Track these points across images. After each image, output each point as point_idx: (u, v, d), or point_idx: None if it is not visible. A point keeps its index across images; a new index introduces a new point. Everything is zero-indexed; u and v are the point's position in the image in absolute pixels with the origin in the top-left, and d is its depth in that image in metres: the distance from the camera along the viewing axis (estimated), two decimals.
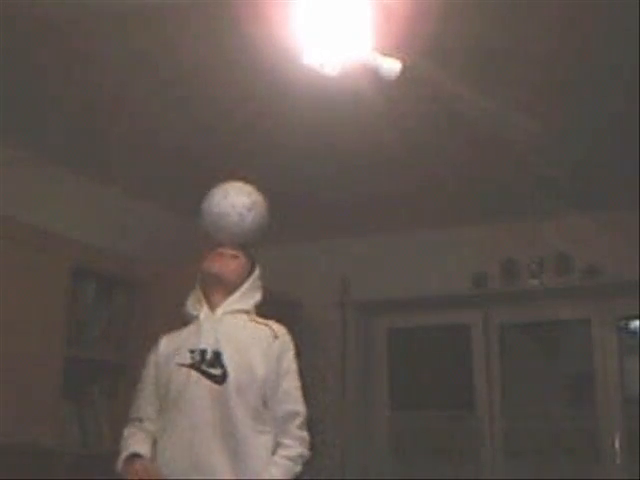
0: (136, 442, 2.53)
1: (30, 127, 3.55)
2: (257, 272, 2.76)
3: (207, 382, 2.48)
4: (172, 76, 3.10)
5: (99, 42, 2.84)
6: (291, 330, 2.70)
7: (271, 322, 2.65)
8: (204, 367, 2.50)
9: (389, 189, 4.26)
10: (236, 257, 2.70)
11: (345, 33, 2.47)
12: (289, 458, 2.48)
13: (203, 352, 2.52)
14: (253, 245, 2.79)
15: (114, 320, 3.92)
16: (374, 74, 2.66)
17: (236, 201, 2.68)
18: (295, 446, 2.50)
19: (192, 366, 2.51)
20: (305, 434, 2.53)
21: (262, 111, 3.33)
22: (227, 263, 2.67)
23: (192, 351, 2.54)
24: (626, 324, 4.78)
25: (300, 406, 2.55)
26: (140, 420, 2.60)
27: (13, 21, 2.67)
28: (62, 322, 3.53)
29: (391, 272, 4.85)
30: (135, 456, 2.50)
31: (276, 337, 2.58)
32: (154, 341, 2.74)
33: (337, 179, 4.11)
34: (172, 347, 2.63)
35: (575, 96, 3.23)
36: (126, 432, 2.60)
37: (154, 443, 2.52)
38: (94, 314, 3.83)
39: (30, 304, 3.35)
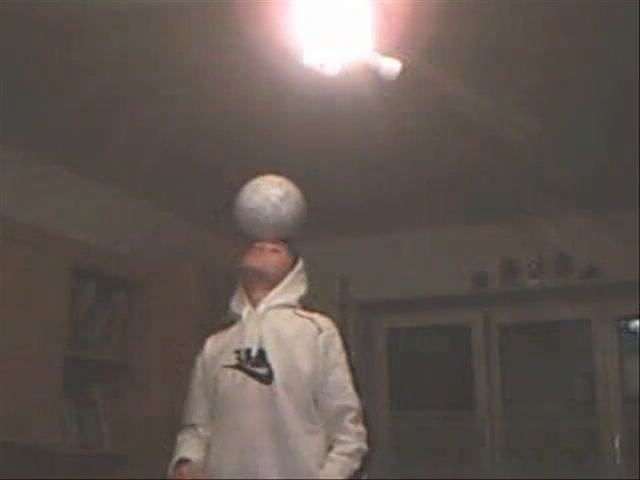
0: (186, 448, 2.49)
1: (30, 127, 3.55)
2: (300, 265, 2.67)
3: (254, 382, 2.40)
4: (172, 76, 3.10)
5: (99, 42, 2.84)
6: None
7: (316, 315, 2.55)
8: (250, 367, 2.42)
9: (389, 189, 4.26)
10: (276, 251, 2.62)
11: (345, 33, 2.47)
12: (346, 454, 2.35)
13: (248, 351, 2.44)
14: (293, 237, 2.70)
15: (114, 320, 3.92)
16: (374, 74, 2.66)
17: (268, 193, 2.60)
18: (351, 441, 2.37)
19: (238, 367, 2.44)
20: (361, 428, 2.41)
21: (262, 111, 3.33)
22: (267, 257, 2.59)
23: (237, 351, 2.46)
24: (626, 324, 4.78)
25: (352, 400, 2.42)
26: (193, 426, 2.54)
27: (13, 21, 2.67)
28: (62, 322, 3.52)
29: (391, 272, 4.85)
30: (183, 461, 2.45)
31: (320, 331, 2.47)
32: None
33: (337, 179, 4.11)
34: (218, 348, 2.56)
35: (575, 96, 3.23)
36: (179, 438, 2.55)
37: (207, 447, 2.47)
38: (94, 314, 3.82)
39: (30, 304, 3.35)
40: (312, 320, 2.52)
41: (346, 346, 2.51)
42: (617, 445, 4.50)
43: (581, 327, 4.81)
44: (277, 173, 2.70)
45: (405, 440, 5.05)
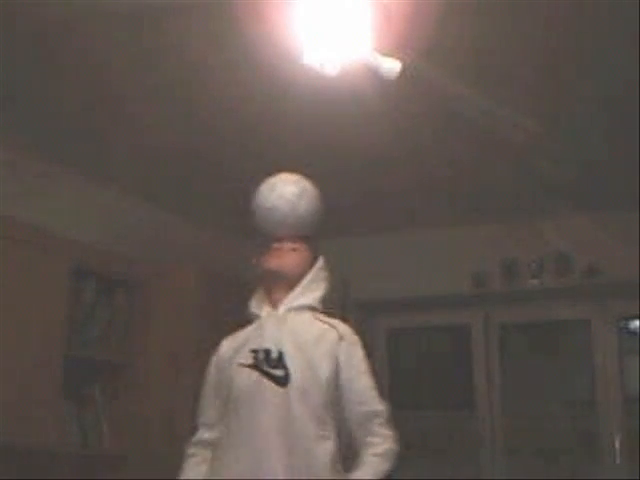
0: (190, 469, 2.49)
1: (30, 127, 3.55)
2: (320, 264, 2.63)
3: (269, 384, 2.38)
4: (172, 76, 3.10)
5: (99, 42, 2.84)
6: None
7: (336, 322, 2.54)
8: (266, 368, 2.40)
9: (389, 189, 4.26)
10: (295, 250, 2.58)
11: (345, 33, 2.47)
12: (377, 454, 2.38)
13: (267, 352, 2.42)
14: (313, 235, 2.66)
15: (114, 320, 3.92)
16: (374, 74, 2.66)
17: (284, 191, 2.58)
18: (381, 443, 2.41)
19: (254, 366, 2.41)
20: (389, 431, 2.45)
21: (262, 111, 3.33)
22: (285, 257, 2.56)
23: (254, 351, 2.43)
24: (626, 324, 4.78)
25: (379, 405, 2.45)
26: (204, 427, 2.53)
27: (13, 21, 2.67)
28: (62, 322, 3.52)
29: (391, 272, 4.85)
30: None
31: (342, 339, 2.47)
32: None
33: (337, 179, 4.10)
34: (234, 347, 2.53)
35: (575, 96, 3.23)
36: (186, 453, 2.53)
37: (213, 450, 2.46)
38: (94, 314, 3.82)
39: (30, 304, 3.35)
40: (333, 327, 2.51)
41: (367, 353, 2.51)
42: (617, 445, 4.50)
43: (581, 327, 4.81)
44: (276, 173, 2.69)
45: (405, 440, 5.03)
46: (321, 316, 2.56)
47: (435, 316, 5.07)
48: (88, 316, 3.79)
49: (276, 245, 2.59)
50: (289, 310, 2.52)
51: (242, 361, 2.45)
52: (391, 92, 2.94)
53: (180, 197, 4.41)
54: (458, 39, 2.76)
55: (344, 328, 2.52)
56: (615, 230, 4.31)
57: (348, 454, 2.44)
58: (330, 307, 2.62)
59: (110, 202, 4.26)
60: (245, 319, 2.59)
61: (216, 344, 2.61)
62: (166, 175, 4.14)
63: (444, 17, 2.61)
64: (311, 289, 2.58)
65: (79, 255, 3.63)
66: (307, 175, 2.66)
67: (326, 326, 2.51)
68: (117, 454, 3.85)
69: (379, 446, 2.40)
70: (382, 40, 2.59)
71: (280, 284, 2.55)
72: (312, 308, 2.56)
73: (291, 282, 2.56)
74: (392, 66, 2.60)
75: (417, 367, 5.26)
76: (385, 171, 4.00)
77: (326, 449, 2.35)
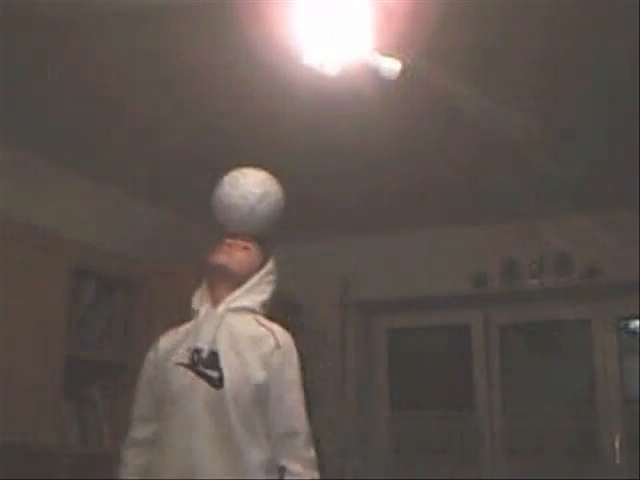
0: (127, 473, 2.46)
1: (30, 127, 3.55)
2: (269, 267, 2.54)
3: (204, 384, 2.30)
4: (172, 76, 3.10)
5: (99, 42, 2.84)
6: (291, 330, 2.49)
7: (276, 328, 2.42)
8: (202, 368, 2.32)
9: (389, 189, 4.26)
10: (246, 249, 2.51)
11: (345, 33, 2.47)
12: None
13: (199, 351, 2.34)
14: (267, 236, 2.60)
15: (114, 320, 3.92)
16: (374, 74, 2.66)
17: (246, 192, 2.52)
18: (302, 472, 2.27)
19: (189, 366, 2.34)
20: (311, 453, 2.31)
21: (262, 111, 3.33)
22: (234, 254, 2.49)
23: (189, 350, 2.36)
24: (626, 324, 4.78)
25: (302, 423, 2.32)
26: (139, 421, 2.49)
27: (13, 21, 2.67)
28: (62, 322, 3.52)
29: (391, 272, 4.85)
30: None
31: (278, 347, 2.35)
32: (154, 341, 2.69)
33: (337, 179, 4.11)
34: (171, 344, 2.46)
35: (575, 96, 3.23)
36: (122, 455, 2.50)
37: (150, 449, 2.42)
38: (94, 314, 3.82)
39: (30, 304, 3.35)
40: (272, 333, 2.39)
41: (301, 365, 2.41)
42: (617, 445, 4.50)
43: (581, 327, 4.81)
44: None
45: (405, 440, 5.05)
46: (262, 319, 2.45)
47: (435, 316, 5.07)
48: (88, 316, 3.79)
49: (228, 241, 2.52)
50: (228, 310, 2.42)
51: (178, 359, 2.38)
52: (391, 92, 2.94)
53: (180, 197, 4.41)
54: (458, 39, 2.76)
55: (282, 336, 2.39)
56: (615, 230, 4.31)
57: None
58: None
59: (110, 202, 4.26)
60: None
61: None
62: (166, 175, 4.14)
63: (444, 17, 2.61)
64: (255, 291, 2.48)
65: (79, 255, 3.63)
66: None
67: (264, 330, 2.39)
68: (117, 454, 3.84)
69: (299, 476, 2.27)
70: (382, 40, 2.59)
71: (224, 282, 2.46)
72: (252, 311, 2.45)
73: (235, 281, 2.46)
74: (392, 66, 2.60)
75: (417, 367, 5.26)
76: (384, 171, 4.00)
77: (258, 455, 2.27)
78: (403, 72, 2.63)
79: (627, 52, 2.82)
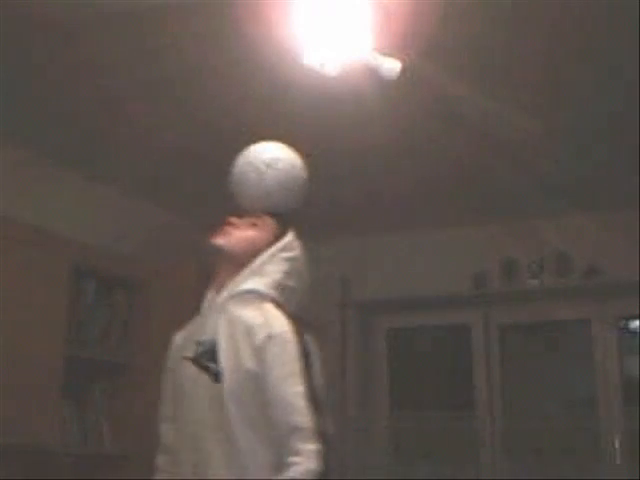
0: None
1: (30, 127, 3.55)
2: (284, 241, 2.24)
3: (206, 379, 2.12)
4: (172, 76, 3.10)
5: (99, 42, 2.84)
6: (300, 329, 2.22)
7: (275, 316, 2.13)
8: (204, 361, 2.13)
9: (389, 189, 4.26)
10: (255, 225, 2.24)
11: (345, 33, 2.48)
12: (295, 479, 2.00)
13: (202, 343, 2.16)
14: (284, 210, 2.28)
15: (114, 320, 3.92)
16: (374, 74, 2.67)
17: (254, 157, 2.27)
18: (300, 462, 2.00)
19: (194, 360, 2.15)
20: (312, 446, 2.02)
21: (262, 111, 3.33)
22: (235, 233, 2.23)
23: (196, 342, 2.18)
24: (626, 324, 4.78)
25: (303, 418, 2.04)
26: (164, 419, 2.32)
27: (13, 21, 2.68)
28: (62, 322, 3.52)
29: (391, 272, 4.85)
30: None
31: (271, 337, 2.08)
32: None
33: (337, 179, 4.11)
34: (183, 338, 2.30)
35: (575, 96, 3.23)
36: (157, 459, 2.30)
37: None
38: (94, 314, 3.82)
39: (30, 304, 3.35)
40: (266, 321, 2.12)
41: (304, 354, 2.14)
42: (617, 445, 4.50)
43: (581, 327, 4.81)
44: None
45: (405, 440, 5.05)
46: (267, 305, 2.15)
47: (435, 316, 5.07)
48: (88, 316, 3.79)
49: (232, 219, 2.26)
50: (231, 296, 2.17)
51: (186, 353, 2.19)
52: (391, 92, 2.94)
53: (180, 197, 4.41)
54: (458, 39, 2.76)
55: (280, 325, 2.11)
56: (615, 230, 4.31)
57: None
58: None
59: (110, 202, 4.26)
60: None
61: None
62: (166, 175, 4.14)
63: (444, 17, 2.61)
64: (261, 272, 2.19)
65: (79, 255, 3.63)
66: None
67: (260, 318, 2.12)
68: (117, 454, 3.85)
69: (296, 467, 2.00)
70: (382, 40, 2.59)
71: (227, 265, 2.22)
72: (259, 295, 2.16)
73: (238, 262, 2.20)
74: (392, 66, 2.60)
75: (417, 367, 5.26)
76: (384, 171, 4.00)
77: (261, 452, 2.08)
78: (403, 72, 2.63)
79: (627, 52, 2.82)
